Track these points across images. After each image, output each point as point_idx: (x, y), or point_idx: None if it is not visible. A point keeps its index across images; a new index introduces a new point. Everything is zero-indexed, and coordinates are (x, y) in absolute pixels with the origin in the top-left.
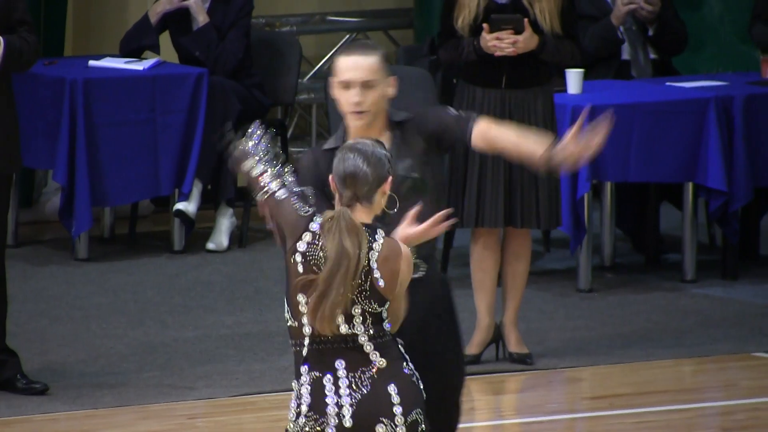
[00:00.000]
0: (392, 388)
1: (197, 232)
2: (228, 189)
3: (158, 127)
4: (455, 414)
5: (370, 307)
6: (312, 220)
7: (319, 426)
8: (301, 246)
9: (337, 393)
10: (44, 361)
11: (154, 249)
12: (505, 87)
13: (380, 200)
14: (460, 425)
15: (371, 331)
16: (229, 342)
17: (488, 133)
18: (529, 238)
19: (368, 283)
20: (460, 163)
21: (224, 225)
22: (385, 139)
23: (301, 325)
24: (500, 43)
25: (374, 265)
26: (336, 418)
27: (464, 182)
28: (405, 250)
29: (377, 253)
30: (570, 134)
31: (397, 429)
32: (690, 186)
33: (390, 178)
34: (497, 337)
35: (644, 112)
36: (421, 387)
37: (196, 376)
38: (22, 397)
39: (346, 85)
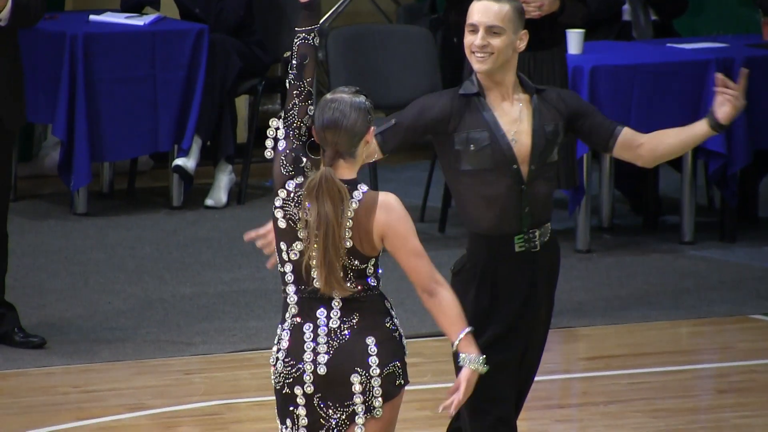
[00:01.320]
0: (371, 340)
1: (196, 188)
2: (228, 145)
3: (158, 83)
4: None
5: (350, 264)
6: (291, 179)
7: (295, 372)
8: (278, 201)
9: (315, 341)
10: (42, 316)
11: (153, 205)
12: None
13: (363, 152)
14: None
15: (353, 286)
16: (227, 298)
17: (636, 140)
18: None
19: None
20: None
21: (223, 181)
22: (523, 100)
23: (285, 273)
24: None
25: (347, 222)
26: (312, 365)
27: None
28: (383, 199)
29: (352, 211)
30: (719, 105)
31: (372, 380)
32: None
33: (372, 128)
34: None
35: (645, 73)
36: (404, 343)
37: (193, 332)
38: (19, 351)
39: (473, 29)
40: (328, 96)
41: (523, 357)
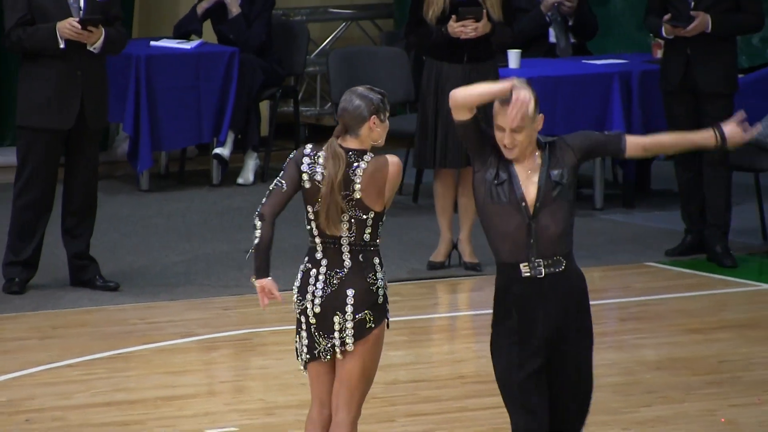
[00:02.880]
0: (350, 291)
1: (230, 170)
2: (254, 138)
3: (201, 91)
4: (581, 417)
5: (355, 215)
6: (303, 149)
7: (301, 306)
8: (304, 167)
9: (315, 285)
10: (116, 266)
11: (198, 183)
12: (467, 62)
13: (367, 133)
14: (429, 316)
15: (352, 238)
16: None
17: (642, 142)
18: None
19: (353, 194)
20: (429, 116)
21: (250, 165)
22: (538, 156)
23: (310, 229)
24: (465, 29)
25: (357, 180)
26: (311, 303)
27: (435, 132)
28: (392, 160)
29: (362, 170)
30: (732, 126)
31: (347, 323)
32: None
33: (374, 117)
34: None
35: (566, 82)
36: (380, 294)
37: (229, 278)
38: (99, 293)
39: (500, 128)
40: (353, 88)
41: (556, 374)
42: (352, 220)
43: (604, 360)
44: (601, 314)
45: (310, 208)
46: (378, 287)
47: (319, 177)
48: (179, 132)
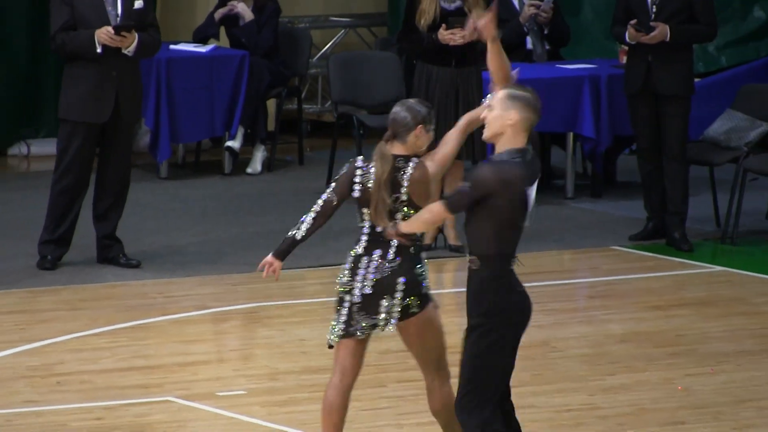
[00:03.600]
0: (401, 279)
1: (240, 161)
2: (261, 132)
3: (214, 90)
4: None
5: (404, 214)
6: (355, 162)
7: (348, 287)
8: (356, 179)
9: (366, 270)
10: (138, 246)
11: (211, 172)
12: (455, 66)
13: (413, 140)
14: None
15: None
16: (261, 236)
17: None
18: (463, 167)
19: (401, 195)
20: None
21: (258, 156)
22: None
23: (362, 226)
24: (454, 36)
25: (405, 182)
26: (360, 284)
27: None
28: (429, 164)
29: (408, 174)
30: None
31: (395, 307)
32: (571, 134)
33: (420, 126)
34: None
35: (541, 84)
36: (425, 284)
37: (238, 257)
38: (123, 269)
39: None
40: (401, 101)
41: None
42: (405, 218)
43: (574, 333)
44: (571, 293)
45: (365, 210)
46: (424, 278)
47: (371, 184)
48: (195, 126)
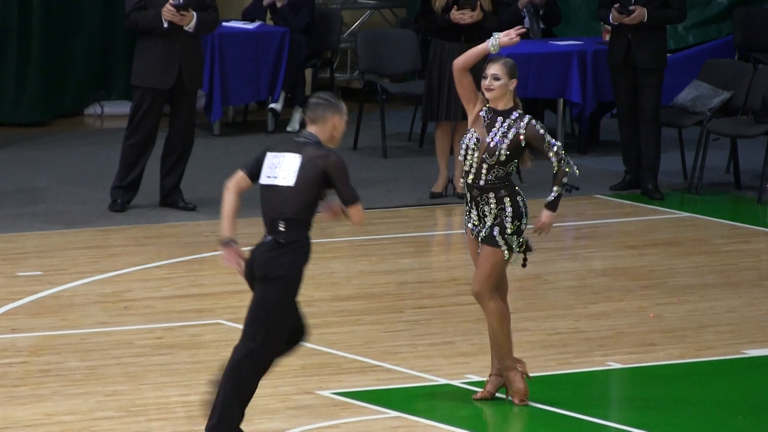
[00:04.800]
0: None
1: (281, 120)
2: (299, 96)
3: (260, 61)
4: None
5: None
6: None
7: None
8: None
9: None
10: (194, 193)
11: (257, 130)
12: (464, 41)
13: (508, 91)
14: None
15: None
16: None
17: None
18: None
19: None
20: (434, 82)
21: (296, 116)
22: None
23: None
24: (464, 16)
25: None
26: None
27: (438, 94)
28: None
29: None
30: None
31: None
32: (561, 100)
33: (514, 80)
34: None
35: (536, 58)
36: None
37: None
38: (181, 212)
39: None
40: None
41: None
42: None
43: (562, 268)
44: (560, 234)
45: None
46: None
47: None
48: (243, 91)
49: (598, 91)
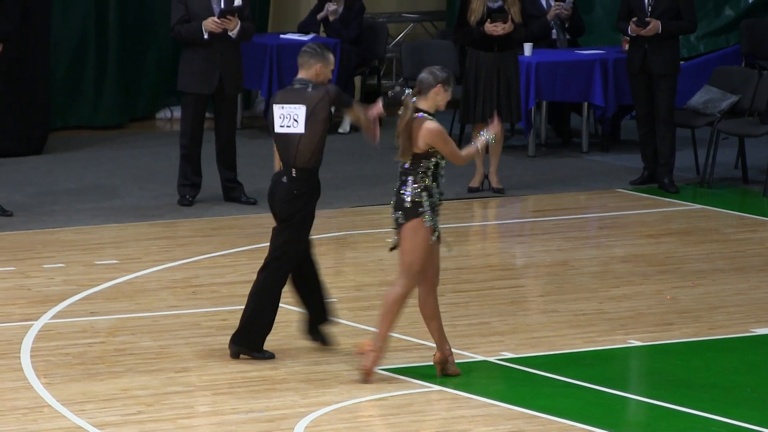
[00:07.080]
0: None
1: (333, 122)
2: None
3: None
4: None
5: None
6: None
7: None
8: None
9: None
10: (255, 188)
11: None
12: (497, 51)
13: (434, 97)
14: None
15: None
16: (347, 180)
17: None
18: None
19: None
20: (470, 88)
21: (347, 119)
22: None
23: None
24: (496, 28)
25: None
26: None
27: (474, 98)
28: (426, 123)
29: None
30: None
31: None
32: (586, 103)
33: (439, 85)
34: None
35: (562, 66)
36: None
37: (330, 197)
38: (243, 206)
39: None
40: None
41: None
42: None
43: (587, 255)
44: (586, 224)
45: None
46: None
47: None
48: None
49: (618, 95)
